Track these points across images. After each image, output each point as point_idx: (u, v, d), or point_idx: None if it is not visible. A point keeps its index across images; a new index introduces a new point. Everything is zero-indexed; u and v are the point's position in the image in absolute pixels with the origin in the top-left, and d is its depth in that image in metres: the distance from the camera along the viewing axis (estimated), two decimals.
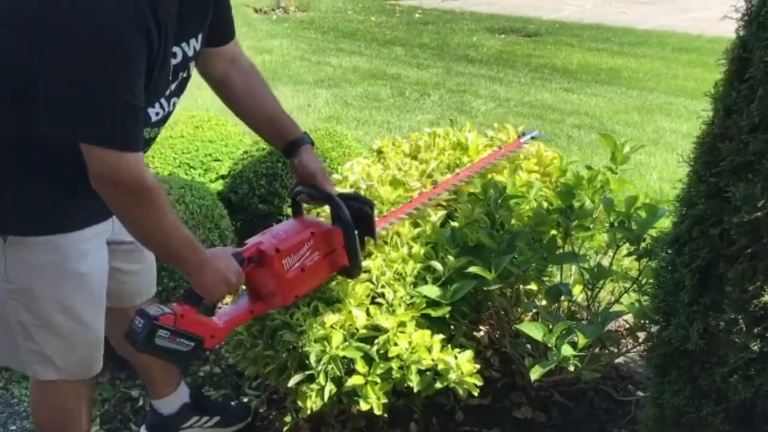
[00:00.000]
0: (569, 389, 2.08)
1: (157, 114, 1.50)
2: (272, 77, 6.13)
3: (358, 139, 3.86)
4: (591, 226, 2.04)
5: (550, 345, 1.60)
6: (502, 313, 1.94)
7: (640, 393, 2.18)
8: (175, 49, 1.47)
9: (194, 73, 1.64)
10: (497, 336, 2.23)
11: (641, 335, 1.99)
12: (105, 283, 1.66)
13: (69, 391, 1.73)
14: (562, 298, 1.81)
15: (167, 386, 2.09)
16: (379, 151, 2.53)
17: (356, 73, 6.49)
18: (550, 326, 1.62)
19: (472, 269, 1.70)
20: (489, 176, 2.23)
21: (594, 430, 2.04)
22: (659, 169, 4.09)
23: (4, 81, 1.42)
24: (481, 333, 2.29)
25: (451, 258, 1.80)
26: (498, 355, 2.28)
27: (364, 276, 1.87)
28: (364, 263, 1.89)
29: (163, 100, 1.51)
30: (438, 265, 1.81)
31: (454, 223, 2.08)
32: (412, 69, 6.72)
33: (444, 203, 2.12)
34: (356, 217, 1.69)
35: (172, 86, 1.52)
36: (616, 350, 2.00)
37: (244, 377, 2.29)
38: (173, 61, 1.48)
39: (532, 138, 2.48)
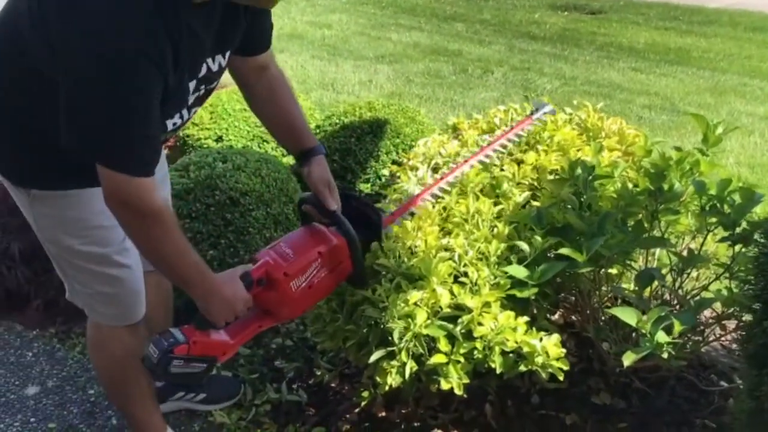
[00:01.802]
0: (650, 376, 2.03)
1: (174, 124, 1.54)
2: (332, 52, 6.11)
3: None
4: (680, 209, 1.97)
5: (644, 331, 1.55)
6: (587, 296, 1.89)
7: (723, 383, 2.11)
8: (204, 66, 1.51)
9: None
10: (576, 319, 2.18)
11: (729, 324, 1.92)
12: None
13: (115, 339, 1.81)
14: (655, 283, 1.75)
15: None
16: (454, 128, 2.49)
17: (417, 48, 6.41)
18: (643, 311, 1.57)
19: (563, 251, 1.66)
20: (572, 154, 2.16)
21: (676, 420, 1.98)
22: (736, 154, 3.94)
23: (27, 60, 1.43)
24: (556, 316, 2.25)
25: (537, 238, 1.76)
26: (573, 339, 2.23)
27: (445, 254, 1.84)
28: (445, 241, 1.87)
29: (184, 111, 1.55)
30: (524, 246, 1.77)
31: (536, 203, 2.03)
32: (473, 45, 6.60)
33: (526, 182, 2.07)
34: (364, 222, 1.75)
35: (192, 99, 1.55)
36: (701, 339, 1.93)
37: (316, 350, 2.30)
38: (201, 77, 1.51)
39: (545, 113, 2.39)
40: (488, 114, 2.51)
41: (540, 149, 2.15)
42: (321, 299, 1.79)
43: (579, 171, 1.92)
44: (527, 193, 2.01)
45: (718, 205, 1.88)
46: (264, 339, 2.45)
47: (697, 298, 1.81)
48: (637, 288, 1.75)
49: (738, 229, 1.81)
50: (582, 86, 5.28)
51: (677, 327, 1.55)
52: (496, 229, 1.88)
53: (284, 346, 2.42)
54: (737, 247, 1.82)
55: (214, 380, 2.24)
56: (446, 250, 1.87)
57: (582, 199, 1.89)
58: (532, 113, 2.35)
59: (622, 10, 8.39)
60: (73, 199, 1.61)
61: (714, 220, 1.88)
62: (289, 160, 2.85)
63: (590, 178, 1.89)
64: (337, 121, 2.75)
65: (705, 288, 1.93)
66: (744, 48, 6.61)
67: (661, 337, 1.53)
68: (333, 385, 2.24)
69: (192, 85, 1.52)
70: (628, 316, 1.57)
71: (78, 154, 1.42)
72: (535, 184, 2.11)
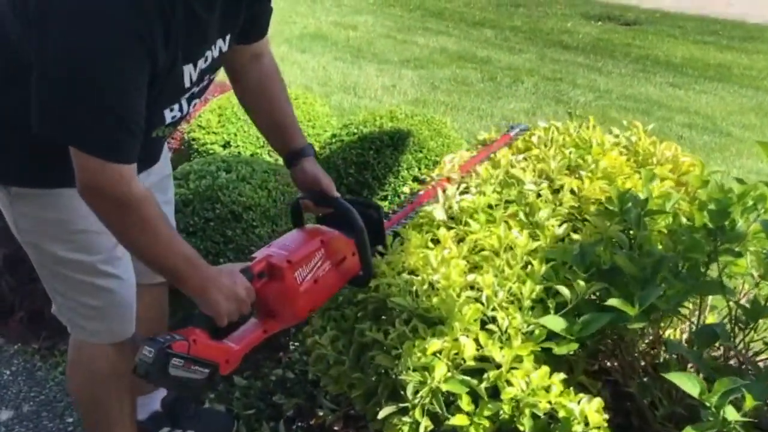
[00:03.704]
0: None
1: (173, 117, 1.44)
2: (357, 54, 5.87)
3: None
4: (741, 251, 1.71)
5: (708, 405, 1.29)
6: (636, 352, 1.63)
7: None
8: (207, 52, 1.41)
9: None
10: (612, 365, 1.92)
11: None
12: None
13: (99, 357, 1.65)
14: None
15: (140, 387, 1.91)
16: (485, 144, 2.24)
17: (444, 54, 6.16)
18: (702, 377, 1.31)
19: (612, 301, 1.40)
20: (619, 182, 1.91)
21: None
22: None
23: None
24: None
25: (580, 282, 1.50)
26: (609, 388, 1.97)
27: (471, 294, 1.59)
28: (471, 277, 1.63)
29: (183, 101, 1.44)
30: (564, 290, 1.51)
31: (576, 236, 1.78)
32: (503, 53, 6.34)
33: (566, 212, 1.81)
34: (365, 223, 1.60)
35: (196, 89, 1.45)
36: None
37: (320, 386, 2.06)
38: (201, 65, 1.41)
39: (521, 131, 2.20)
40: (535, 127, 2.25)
41: (583, 175, 1.89)
42: (327, 298, 1.63)
43: (629, 204, 1.67)
44: (567, 225, 1.75)
45: None
46: (264, 369, 2.21)
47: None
48: (695, 346, 1.49)
49: None
50: (618, 100, 5.00)
51: (749, 402, 1.28)
52: (530, 267, 1.63)
53: (285, 379, 2.18)
54: None
55: (204, 414, 2.00)
56: (471, 288, 1.62)
57: (632, 238, 1.64)
58: (508, 131, 2.22)
59: (658, 22, 8.09)
60: (56, 199, 1.47)
61: None
62: None
63: (643, 213, 1.64)
64: (355, 130, 2.51)
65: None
66: None
67: (730, 413, 1.26)
68: (336, 428, 2.00)
69: (190, 70, 1.38)
70: (689, 385, 1.31)
71: (49, 138, 1.28)
72: (575, 214, 1.86)
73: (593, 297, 1.54)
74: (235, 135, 2.53)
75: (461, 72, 5.57)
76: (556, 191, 1.89)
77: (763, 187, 1.85)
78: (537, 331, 1.50)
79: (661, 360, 1.69)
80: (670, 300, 1.44)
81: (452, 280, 1.60)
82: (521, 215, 1.80)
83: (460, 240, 1.80)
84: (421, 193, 1.95)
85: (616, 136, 2.18)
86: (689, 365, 1.62)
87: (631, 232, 1.67)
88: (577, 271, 1.54)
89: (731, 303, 1.67)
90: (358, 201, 1.67)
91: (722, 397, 1.29)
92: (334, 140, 2.58)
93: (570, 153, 2.00)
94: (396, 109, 2.57)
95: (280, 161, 2.57)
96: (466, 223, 1.81)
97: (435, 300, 1.59)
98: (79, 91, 1.21)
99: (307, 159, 1.65)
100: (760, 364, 1.56)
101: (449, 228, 1.82)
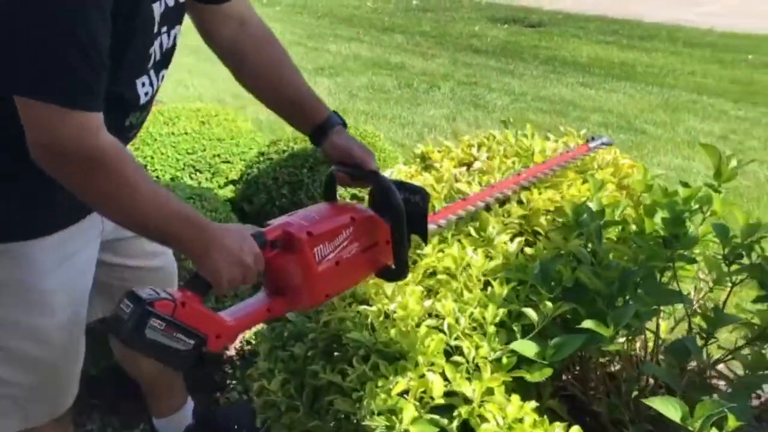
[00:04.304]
0: None
1: (146, 93, 1.22)
2: None
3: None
4: (696, 257, 1.68)
5: (692, 430, 1.22)
6: (600, 371, 1.56)
7: None
8: None
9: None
10: (575, 384, 1.86)
11: None
12: (83, 300, 1.37)
13: None
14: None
15: (169, 405, 1.77)
16: (423, 157, 2.14)
17: (358, 61, 6.07)
18: (677, 397, 1.25)
19: (587, 324, 1.32)
20: (564, 190, 1.85)
21: None
22: (703, 176, 3.74)
23: None
24: None
25: (547, 304, 1.42)
26: (566, 403, 1.91)
27: (431, 322, 1.48)
28: (429, 303, 1.52)
29: (152, 73, 1.22)
30: (531, 313, 1.42)
31: (529, 250, 1.70)
32: (416, 58, 6.31)
33: (516, 225, 1.74)
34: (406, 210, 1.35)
35: (158, 53, 1.22)
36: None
37: None
38: (157, 11, 1.16)
39: (603, 145, 2.11)
40: (462, 141, 2.18)
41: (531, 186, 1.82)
42: (348, 287, 1.40)
43: (585, 217, 1.61)
44: (520, 240, 1.67)
45: (743, 253, 1.60)
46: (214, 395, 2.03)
47: (740, 373, 1.50)
48: (669, 365, 1.43)
49: None
50: (533, 102, 5.04)
51: (732, 423, 1.23)
52: (490, 289, 1.54)
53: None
54: None
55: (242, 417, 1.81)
56: (430, 315, 1.52)
57: (591, 251, 1.58)
58: (587, 141, 2.06)
59: (562, 24, 8.30)
60: None
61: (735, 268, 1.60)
62: (226, 193, 2.44)
63: (602, 225, 1.58)
64: (285, 147, 2.36)
65: (732, 355, 1.63)
66: (686, 63, 6.56)
67: None
68: None
69: (157, 15, 1.15)
70: (671, 411, 1.24)
71: None
72: (525, 227, 1.78)
73: (561, 317, 1.47)
74: (152, 158, 2.33)
75: (377, 79, 5.48)
76: (502, 203, 1.82)
77: (707, 189, 1.85)
78: (505, 359, 1.41)
79: (625, 376, 1.63)
80: (641, 317, 1.38)
81: (410, 309, 1.49)
82: (472, 231, 1.71)
83: (412, 263, 1.69)
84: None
85: (555, 142, 2.13)
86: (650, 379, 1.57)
87: (590, 245, 1.61)
88: (541, 291, 1.46)
89: (690, 311, 1.64)
90: (404, 183, 1.42)
91: (705, 420, 1.23)
92: (262, 159, 2.41)
93: (513, 163, 1.93)
94: None
95: (205, 183, 2.41)
96: (417, 246, 1.70)
97: (393, 332, 1.47)
98: (30, 13, 0.96)
99: (335, 130, 1.40)
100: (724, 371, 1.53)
101: None
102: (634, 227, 1.78)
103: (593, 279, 1.45)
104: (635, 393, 1.49)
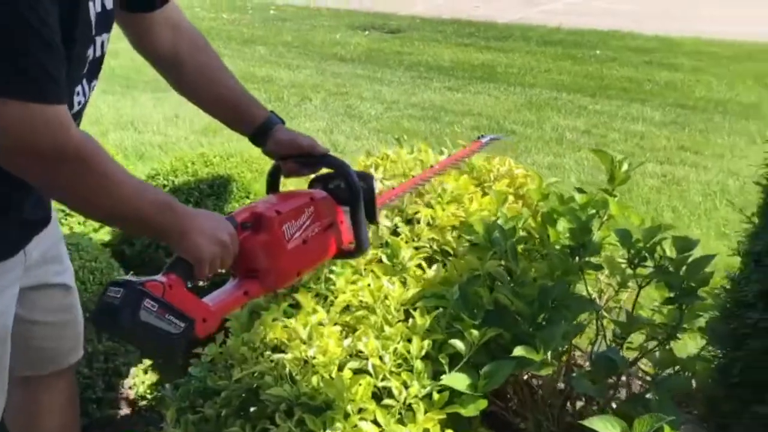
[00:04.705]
0: None
1: (79, 103, 1.19)
2: (126, 84, 5.35)
3: None
4: (601, 263, 1.71)
5: None
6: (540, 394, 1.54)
7: None
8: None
9: None
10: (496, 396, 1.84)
11: None
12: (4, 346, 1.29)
13: None
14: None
15: None
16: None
17: None
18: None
19: (519, 351, 1.28)
20: (467, 204, 1.83)
21: None
22: (576, 172, 3.90)
23: None
24: None
25: (473, 332, 1.37)
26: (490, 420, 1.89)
27: (354, 364, 1.40)
28: (348, 342, 1.44)
29: (85, 82, 1.19)
30: (458, 344, 1.37)
31: (440, 271, 1.66)
32: (282, 70, 6.18)
33: (426, 247, 1.69)
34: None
35: (92, 60, 1.19)
36: None
37: None
38: (92, 12, 1.14)
39: (492, 140, 2.13)
40: (357, 161, 2.11)
41: (432, 201, 1.78)
42: (316, 265, 1.42)
43: (497, 234, 1.58)
44: (437, 266, 1.62)
45: (647, 256, 1.64)
46: None
47: (660, 374, 1.53)
48: (598, 381, 1.42)
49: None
50: (406, 110, 5.07)
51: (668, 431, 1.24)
52: (411, 320, 1.47)
53: None
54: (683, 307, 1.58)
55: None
56: (351, 355, 1.43)
57: (506, 268, 1.55)
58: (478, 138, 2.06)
59: (420, 28, 8.45)
60: None
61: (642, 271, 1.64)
62: (103, 236, 2.22)
63: (515, 242, 1.56)
64: (165, 181, 2.18)
65: (643, 356, 1.66)
66: (541, 62, 6.86)
67: None
68: None
69: (93, 16, 1.13)
70: (609, 428, 1.23)
71: None
72: (435, 247, 1.74)
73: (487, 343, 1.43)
74: None
75: None
76: (408, 221, 1.77)
77: (603, 194, 1.88)
78: (436, 395, 1.35)
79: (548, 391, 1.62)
80: (567, 336, 1.37)
81: (330, 353, 1.40)
82: (384, 258, 1.64)
83: (323, 298, 1.60)
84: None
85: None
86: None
87: (502, 261, 1.58)
88: (465, 318, 1.41)
89: (600, 317, 1.66)
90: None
91: None
92: None
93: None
94: (208, 152, 2.28)
95: (77, 227, 2.18)
96: (327, 279, 1.61)
97: (315, 380, 1.37)
98: None
99: (276, 128, 1.40)
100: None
101: (308, 287, 1.61)
102: (537, 237, 1.80)
103: (514, 300, 1.42)
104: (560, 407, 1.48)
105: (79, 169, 1.03)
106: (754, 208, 1.58)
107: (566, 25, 8.43)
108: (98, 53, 1.19)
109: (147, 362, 2.18)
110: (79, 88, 1.17)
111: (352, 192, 1.36)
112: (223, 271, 1.22)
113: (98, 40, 1.18)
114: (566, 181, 3.80)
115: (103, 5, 1.16)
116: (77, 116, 1.19)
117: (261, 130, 1.40)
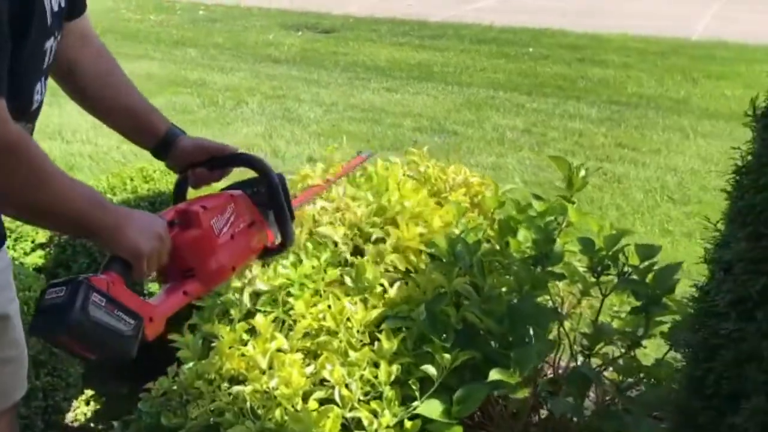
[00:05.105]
0: None
1: (37, 100, 1.15)
2: (50, 91, 5.07)
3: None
4: (563, 272, 1.68)
5: None
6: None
7: None
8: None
9: None
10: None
11: None
12: None
13: None
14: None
15: None
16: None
17: (152, 80, 5.63)
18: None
19: (495, 375, 1.23)
20: (429, 219, 1.77)
21: None
22: (520, 172, 3.90)
23: None
24: None
25: (445, 356, 1.31)
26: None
27: (320, 394, 1.32)
28: (311, 369, 1.36)
29: (43, 79, 1.15)
30: (430, 369, 1.31)
31: (402, 289, 1.60)
32: (215, 73, 6.01)
33: (391, 267, 1.62)
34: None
35: (49, 56, 1.15)
36: None
37: None
38: (48, 4, 1.10)
39: (370, 156, 2.10)
40: (299, 173, 2.01)
41: (398, 220, 1.72)
42: (247, 260, 1.36)
43: (460, 248, 1.53)
44: (398, 284, 1.56)
45: (610, 264, 1.62)
46: None
47: (634, 391, 1.50)
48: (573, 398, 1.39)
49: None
50: (346, 112, 4.99)
51: None
52: (377, 343, 1.41)
53: None
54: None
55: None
56: (315, 384, 1.36)
57: (472, 284, 1.51)
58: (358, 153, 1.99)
59: (354, 28, 8.36)
60: None
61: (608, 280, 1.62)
62: (36, 259, 2.06)
63: (478, 257, 1.51)
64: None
65: (612, 363, 1.64)
66: (476, 60, 6.88)
67: None
68: None
69: (48, 8, 1.09)
70: None
71: None
72: (396, 265, 1.68)
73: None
74: None
75: (178, 99, 5.12)
76: (375, 241, 1.70)
77: (561, 201, 1.86)
78: (408, 422, 1.29)
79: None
80: (541, 354, 1.33)
81: (294, 384, 1.32)
82: (347, 280, 1.57)
83: (281, 323, 1.51)
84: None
85: (402, 165, 2.04)
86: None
87: (467, 278, 1.53)
88: (434, 340, 1.35)
89: (566, 327, 1.63)
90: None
91: None
92: None
93: (371, 196, 1.81)
94: (147, 166, 2.15)
95: (13, 253, 2.02)
96: (285, 303, 1.53)
97: (278, 414, 1.30)
98: None
99: (180, 138, 1.37)
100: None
101: (264, 312, 1.52)
102: (496, 247, 1.76)
103: (485, 319, 1.37)
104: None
105: (14, 162, 1.00)
106: (693, 205, 1.57)
107: (498, 23, 8.50)
108: (54, 50, 1.16)
109: (89, 393, 2.05)
110: (38, 86, 1.14)
111: (272, 185, 1.33)
112: (153, 276, 1.18)
113: (54, 37, 1.15)
114: (510, 181, 3.79)
115: (59, 3, 1.14)
116: (35, 115, 1.16)
117: (164, 141, 1.37)
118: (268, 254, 1.40)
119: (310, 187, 1.79)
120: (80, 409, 1.96)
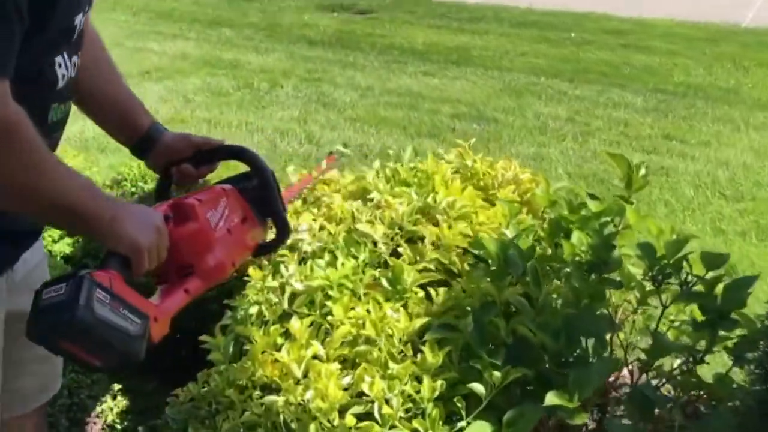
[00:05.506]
0: None
1: (63, 76, 1.09)
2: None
3: None
4: (622, 280, 1.56)
5: None
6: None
7: None
8: None
9: None
10: None
11: None
12: None
13: None
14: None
15: None
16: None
17: (187, 60, 5.58)
18: None
19: (550, 399, 1.12)
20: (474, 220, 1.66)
21: None
22: (563, 164, 3.76)
23: None
24: None
25: (495, 374, 1.21)
26: None
27: (357, 409, 1.23)
28: (348, 380, 1.27)
29: (65, 54, 1.10)
30: (478, 387, 1.21)
31: (445, 295, 1.49)
32: (250, 53, 5.93)
33: (432, 269, 1.52)
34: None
35: (77, 31, 1.11)
36: None
37: None
38: None
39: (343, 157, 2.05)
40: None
41: (440, 219, 1.61)
42: (244, 257, 1.32)
43: (512, 253, 1.42)
44: (443, 291, 1.45)
45: (672, 273, 1.50)
46: None
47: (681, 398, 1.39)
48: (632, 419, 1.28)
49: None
50: (382, 97, 4.87)
51: None
52: (420, 355, 1.30)
53: None
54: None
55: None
56: (352, 396, 1.26)
57: (525, 294, 1.39)
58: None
59: (390, 9, 8.21)
60: None
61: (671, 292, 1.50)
62: (63, 248, 2.00)
63: (534, 264, 1.39)
64: (134, 188, 1.97)
65: (669, 380, 1.52)
66: (516, 44, 6.70)
67: None
68: None
69: None
70: None
71: None
72: (438, 267, 1.57)
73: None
74: None
75: (213, 80, 5.05)
76: (414, 241, 1.60)
77: (620, 201, 1.74)
78: None
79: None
80: (603, 374, 1.21)
81: (330, 398, 1.22)
82: (384, 282, 1.47)
83: (318, 327, 1.42)
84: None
85: (449, 162, 1.93)
86: None
87: (519, 286, 1.42)
88: (483, 356, 1.25)
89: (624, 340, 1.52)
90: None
91: None
92: None
93: (414, 193, 1.70)
94: None
95: None
96: (322, 305, 1.43)
97: (313, 429, 1.20)
98: None
99: (164, 134, 1.33)
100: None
101: (300, 315, 1.43)
102: (549, 251, 1.64)
103: (540, 334, 1.26)
104: None
105: (15, 142, 0.95)
106: (746, 202, 1.44)
107: (536, 6, 8.27)
108: (81, 27, 1.12)
109: (116, 387, 1.99)
110: (60, 60, 1.08)
111: (263, 175, 1.28)
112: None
113: (86, 7, 1.12)
114: (554, 173, 3.66)
115: None
116: (65, 94, 1.11)
117: (148, 136, 1.32)
118: (262, 250, 1.35)
119: (292, 185, 1.73)
120: (107, 404, 1.90)
